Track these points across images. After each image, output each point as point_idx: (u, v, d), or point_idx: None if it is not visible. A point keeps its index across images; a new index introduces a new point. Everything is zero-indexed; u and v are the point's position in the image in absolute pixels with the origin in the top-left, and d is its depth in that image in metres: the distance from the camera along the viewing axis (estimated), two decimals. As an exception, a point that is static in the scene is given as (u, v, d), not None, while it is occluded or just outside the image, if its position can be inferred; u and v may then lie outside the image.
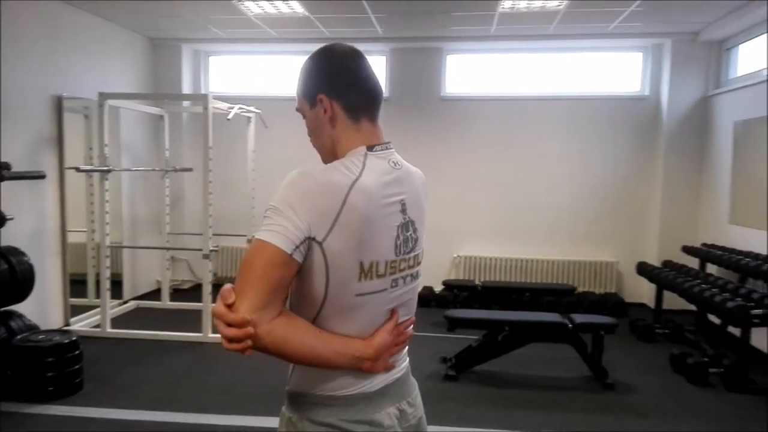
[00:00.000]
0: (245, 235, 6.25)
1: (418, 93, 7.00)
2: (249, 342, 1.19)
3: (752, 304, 4.11)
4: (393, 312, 1.37)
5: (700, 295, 4.52)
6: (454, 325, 4.45)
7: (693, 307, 5.87)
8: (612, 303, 6.10)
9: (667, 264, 5.83)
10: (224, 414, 3.72)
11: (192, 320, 5.62)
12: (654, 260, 6.30)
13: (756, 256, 4.86)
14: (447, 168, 6.99)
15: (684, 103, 6.47)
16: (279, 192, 1.26)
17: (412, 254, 1.39)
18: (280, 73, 7.35)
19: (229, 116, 5.32)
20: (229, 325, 1.19)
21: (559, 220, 6.86)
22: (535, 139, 6.88)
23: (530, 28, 6.23)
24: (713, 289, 4.53)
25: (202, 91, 7.26)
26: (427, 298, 6.54)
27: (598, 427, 3.61)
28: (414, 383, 1.52)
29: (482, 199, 6.98)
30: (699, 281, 4.87)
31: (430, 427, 3.51)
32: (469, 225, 7.00)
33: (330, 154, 1.39)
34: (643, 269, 5.86)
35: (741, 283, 4.72)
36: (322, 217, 1.22)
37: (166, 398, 3.95)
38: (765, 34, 5.47)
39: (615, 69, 6.91)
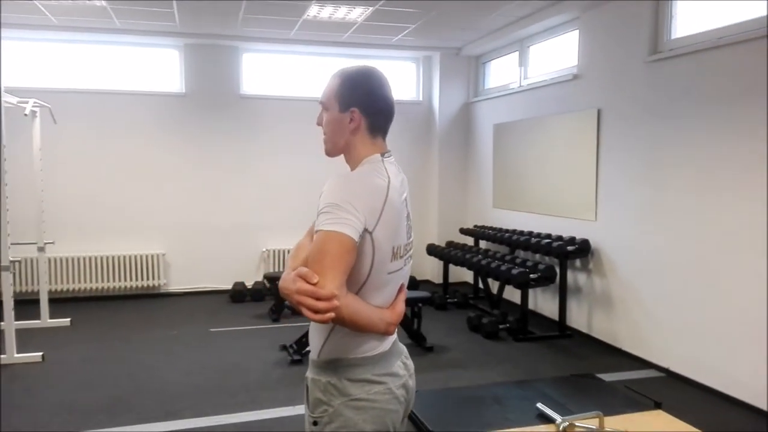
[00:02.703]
0: (35, 243, 5.63)
1: (216, 90, 7.02)
2: (332, 314, 1.42)
3: (528, 270, 5.21)
4: (402, 286, 1.72)
5: (487, 266, 5.54)
6: (295, 312, 4.73)
7: (469, 279, 7.05)
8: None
9: (450, 244, 6.88)
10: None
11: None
12: (436, 241, 7.35)
13: (521, 232, 6.08)
14: (249, 165, 7.16)
15: (452, 107, 7.63)
16: (334, 192, 1.51)
17: (411, 239, 1.76)
18: (65, 63, 6.67)
19: (26, 111, 4.78)
20: (319, 299, 1.41)
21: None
22: (329, 137, 7.39)
23: (326, 35, 6.74)
24: (496, 261, 5.59)
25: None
26: (241, 294, 6.66)
27: (435, 382, 4.28)
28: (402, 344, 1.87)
29: (285, 194, 7.29)
30: (481, 256, 5.92)
31: (300, 407, 3.86)
32: (275, 219, 7.26)
33: (340, 152, 1.69)
34: (433, 249, 6.84)
35: (512, 254, 5.87)
36: (372, 213, 1.52)
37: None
38: (513, 53, 6.80)
39: (399, 76, 7.80)
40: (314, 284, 1.42)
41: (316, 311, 1.40)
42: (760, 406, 3.73)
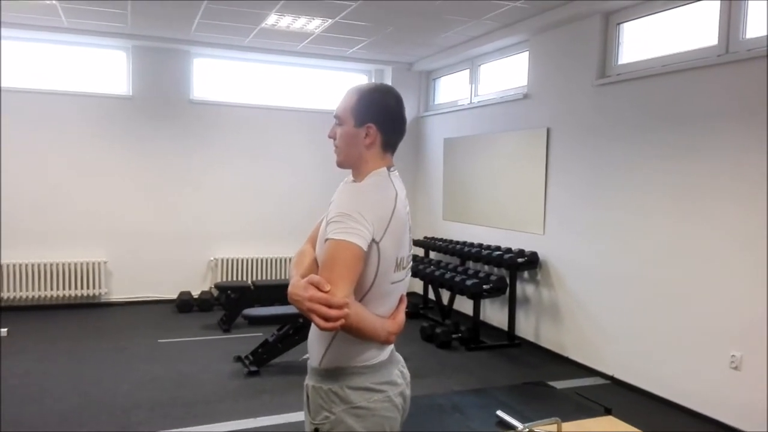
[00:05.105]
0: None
1: (165, 94, 6.86)
2: (343, 321, 1.45)
3: (481, 281, 5.37)
4: (402, 297, 1.77)
5: (441, 277, 5.67)
6: (253, 322, 4.71)
7: (418, 290, 7.17)
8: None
9: (400, 255, 6.97)
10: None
11: None
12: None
13: (471, 244, 6.25)
14: (198, 171, 7.02)
15: (402, 120, 7.74)
16: (345, 202, 1.56)
17: (411, 251, 1.82)
18: (4, 61, 6.32)
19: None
20: (330, 307, 1.44)
21: (304, 222, 7.47)
22: (283, 146, 7.38)
23: (281, 44, 6.72)
24: (449, 272, 5.72)
25: None
26: (187, 304, 6.51)
27: (394, 391, 4.34)
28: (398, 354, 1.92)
29: (234, 202, 7.19)
30: (433, 267, 6.04)
31: (261, 419, 3.84)
32: (223, 228, 7.14)
33: (352, 165, 1.73)
34: (383, 261, 6.90)
35: (463, 266, 6.02)
36: (381, 223, 1.57)
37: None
38: (464, 71, 7.01)
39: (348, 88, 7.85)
40: (326, 292, 1.46)
41: (327, 319, 1.44)
42: (700, 411, 4.00)
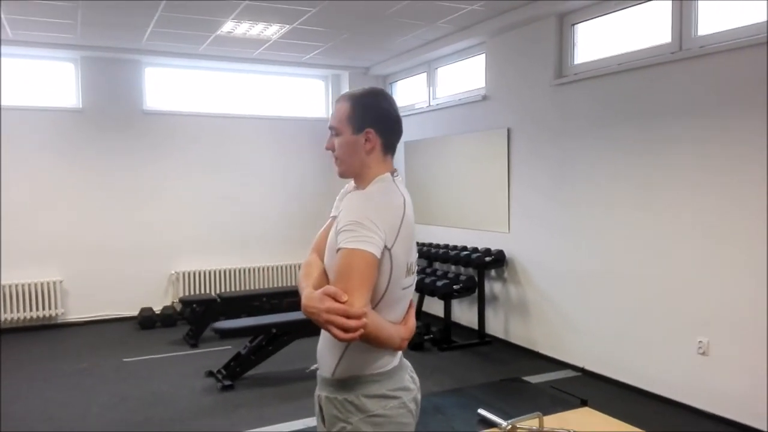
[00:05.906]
0: None
1: (116, 105, 6.67)
2: (362, 330, 1.44)
3: (450, 281, 5.42)
4: (411, 301, 1.77)
5: (410, 280, 5.68)
6: (224, 335, 4.60)
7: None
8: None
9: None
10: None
11: None
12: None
13: (438, 245, 6.30)
14: (154, 184, 6.84)
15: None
16: (356, 209, 1.54)
17: (417, 255, 1.82)
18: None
19: None
20: (349, 317, 1.43)
21: (266, 230, 7.38)
22: (240, 154, 7.27)
23: (236, 51, 6.62)
24: (419, 274, 5.74)
25: None
26: (150, 320, 6.33)
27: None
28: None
29: (193, 214, 7.03)
30: (400, 270, 6.05)
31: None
32: (183, 240, 6.98)
33: (355, 173, 1.71)
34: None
35: (431, 267, 6.07)
36: (392, 230, 1.56)
37: None
38: (421, 74, 7.07)
39: (305, 94, 7.81)
40: (343, 302, 1.45)
41: (347, 330, 1.43)
42: (670, 397, 4.15)
